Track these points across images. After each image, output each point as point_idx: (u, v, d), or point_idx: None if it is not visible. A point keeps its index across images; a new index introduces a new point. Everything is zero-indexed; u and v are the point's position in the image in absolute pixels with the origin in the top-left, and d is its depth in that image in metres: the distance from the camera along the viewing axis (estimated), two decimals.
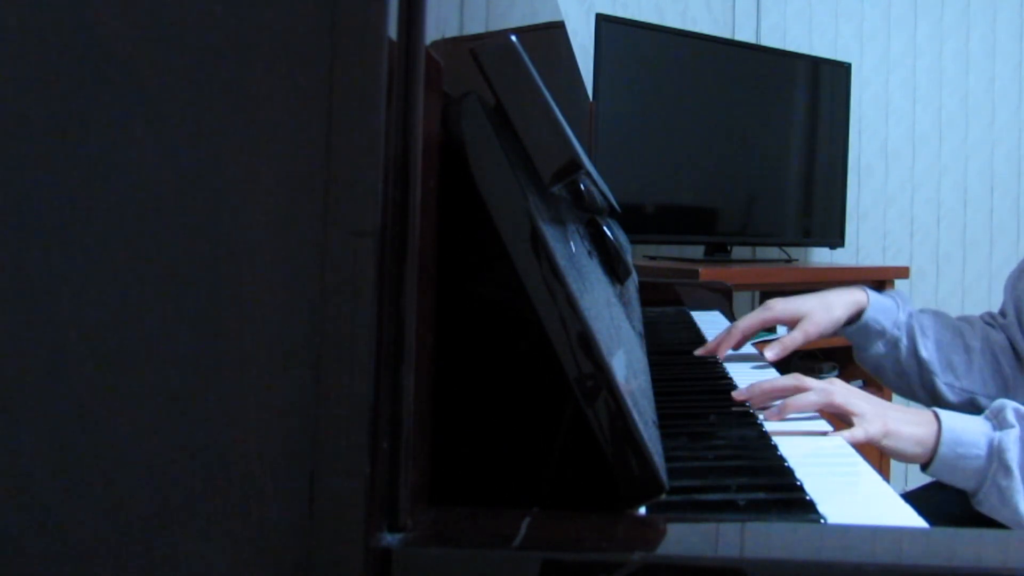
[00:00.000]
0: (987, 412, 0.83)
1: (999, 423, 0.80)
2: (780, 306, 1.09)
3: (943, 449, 0.78)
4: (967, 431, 0.79)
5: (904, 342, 1.13)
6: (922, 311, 1.16)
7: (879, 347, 1.13)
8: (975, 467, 0.78)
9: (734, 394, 0.82)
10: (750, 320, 1.08)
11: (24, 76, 0.36)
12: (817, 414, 0.81)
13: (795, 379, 0.82)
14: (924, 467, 0.81)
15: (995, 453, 0.76)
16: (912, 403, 1.17)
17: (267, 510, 0.35)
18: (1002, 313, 1.18)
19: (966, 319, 1.18)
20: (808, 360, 2.28)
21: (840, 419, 0.80)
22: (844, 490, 0.61)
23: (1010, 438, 0.76)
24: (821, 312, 1.08)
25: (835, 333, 1.14)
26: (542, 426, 0.43)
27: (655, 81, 2.19)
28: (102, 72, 0.36)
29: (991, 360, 1.13)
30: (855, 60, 2.63)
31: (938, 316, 1.17)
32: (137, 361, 0.36)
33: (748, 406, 0.81)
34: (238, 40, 0.36)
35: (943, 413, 0.80)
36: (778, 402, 0.80)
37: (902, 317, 1.13)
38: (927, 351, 1.12)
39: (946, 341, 1.14)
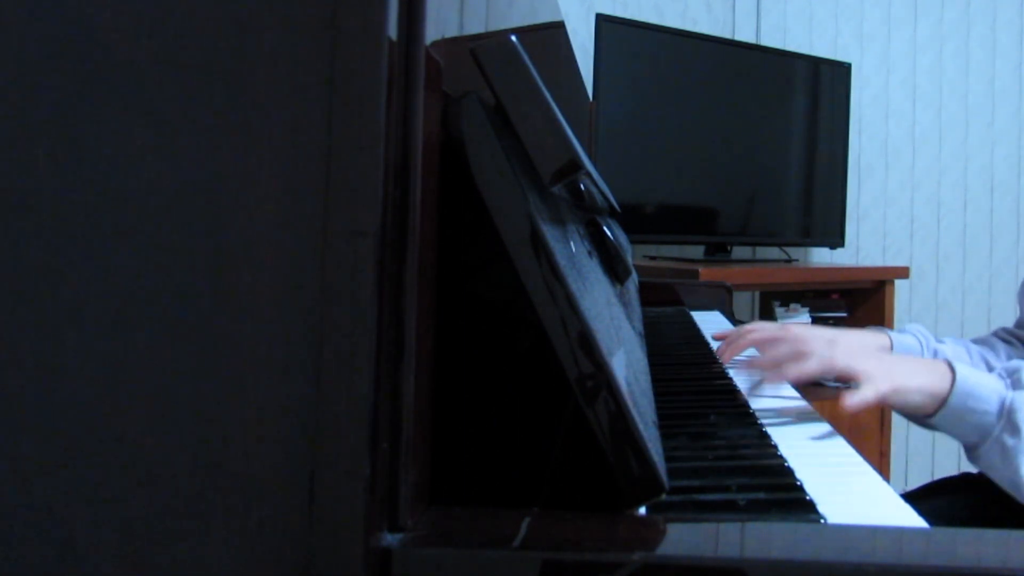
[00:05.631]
0: (1000, 369, 0.82)
1: (1013, 383, 0.79)
2: (797, 332, 1.06)
3: (954, 399, 0.78)
4: (981, 385, 0.78)
5: None
6: (942, 342, 1.13)
7: None
8: (982, 422, 0.77)
9: (719, 352, 0.81)
10: (765, 335, 1.06)
11: (24, 76, 0.36)
12: (799, 394, 0.80)
13: (795, 344, 0.81)
14: (928, 417, 0.80)
15: (1005, 411, 0.76)
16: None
17: (267, 510, 0.35)
18: (1020, 326, 1.17)
19: (986, 342, 1.16)
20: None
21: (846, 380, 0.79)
22: (844, 490, 0.61)
23: (1022, 399, 0.76)
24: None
25: None
26: (542, 426, 0.43)
27: (655, 81, 2.19)
28: (102, 72, 0.36)
29: None
30: (855, 60, 2.63)
31: (960, 346, 1.14)
32: (137, 361, 0.36)
33: (752, 412, 0.81)
34: (238, 40, 0.36)
35: (958, 364, 0.80)
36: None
37: (927, 357, 1.10)
38: None
39: None
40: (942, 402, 0.78)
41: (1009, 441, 0.75)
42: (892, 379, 0.78)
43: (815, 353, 0.79)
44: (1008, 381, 0.80)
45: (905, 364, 0.81)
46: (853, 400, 0.75)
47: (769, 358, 0.81)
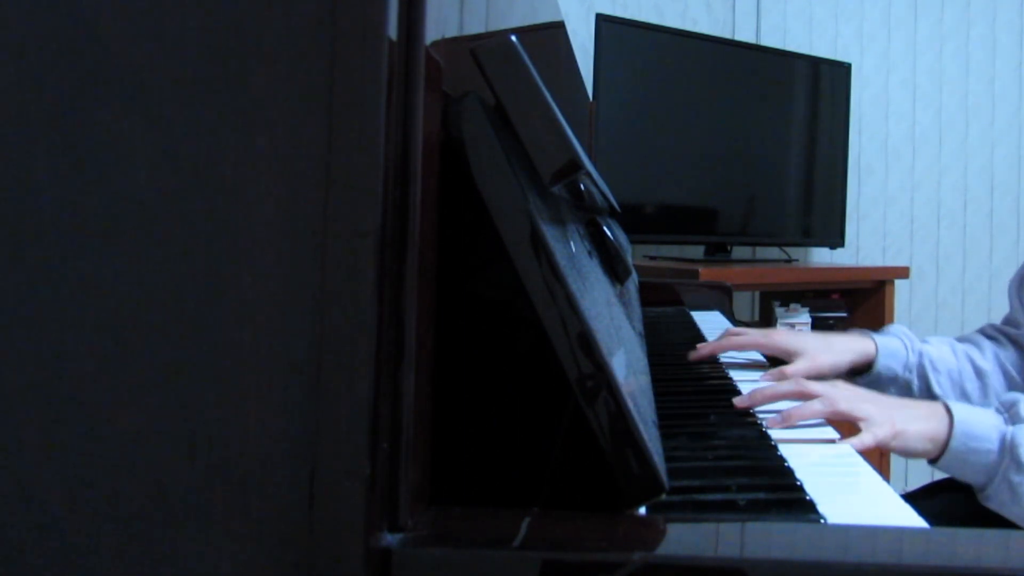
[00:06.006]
0: (998, 404, 0.82)
1: (1011, 417, 0.79)
2: (779, 337, 1.07)
3: (955, 443, 0.77)
4: (979, 424, 0.78)
5: (916, 383, 1.11)
6: (927, 342, 1.14)
7: (891, 392, 1.11)
8: (986, 462, 0.77)
9: (735, 401, 0.82)
10: (747, 340, 1.07)
11: (24, 76, 0.36)
12: (823, 421, 0.80)
13: (798, 384, 0.82)
14: (932, 462, 0.80)
15: (1007, 448, 0.76)
16: None
17: (267, 510, 0.35)
18: (1008, 322, 1.17)
19: (971, 340, 1.16)
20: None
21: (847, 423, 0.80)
22: (844, 490, 0.61)
23: (1023, 433, 0.76)
24: (823, 352, 1.05)
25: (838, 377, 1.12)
26: (542, 426, 0.43)
27: (655, 81, 2.19)
28: (102, 72, 0.36)
29: (1004, 379, 1.12)
30: (855, 60, 2.63)
31: (945, 345, 1.15)
32: (137, 361, 0.36)
33: (753, 413, 0.81)
34: (238, 40, 0.36)
35: (954, 405, 0.80)
36: (782, 407, 0.80)
37: (912, 358, 1.11)
38: (940, 387, 1.10)
39: (957, 371, 1.12)
40: (944, 446, 0.78)
41: (1015, 478, 0.75)
42: (893, 424, 0.78)
43: (817, 393, 0.79)
44: (1006, 416, 0.80)
45: (904, 408, 0.81)
46: (852, 444, 0.75)
47: (768, 398, 0.82)
